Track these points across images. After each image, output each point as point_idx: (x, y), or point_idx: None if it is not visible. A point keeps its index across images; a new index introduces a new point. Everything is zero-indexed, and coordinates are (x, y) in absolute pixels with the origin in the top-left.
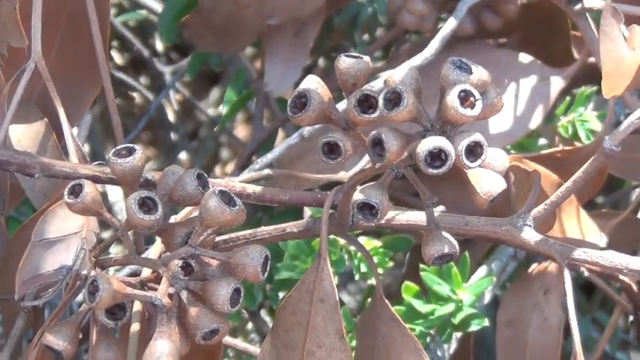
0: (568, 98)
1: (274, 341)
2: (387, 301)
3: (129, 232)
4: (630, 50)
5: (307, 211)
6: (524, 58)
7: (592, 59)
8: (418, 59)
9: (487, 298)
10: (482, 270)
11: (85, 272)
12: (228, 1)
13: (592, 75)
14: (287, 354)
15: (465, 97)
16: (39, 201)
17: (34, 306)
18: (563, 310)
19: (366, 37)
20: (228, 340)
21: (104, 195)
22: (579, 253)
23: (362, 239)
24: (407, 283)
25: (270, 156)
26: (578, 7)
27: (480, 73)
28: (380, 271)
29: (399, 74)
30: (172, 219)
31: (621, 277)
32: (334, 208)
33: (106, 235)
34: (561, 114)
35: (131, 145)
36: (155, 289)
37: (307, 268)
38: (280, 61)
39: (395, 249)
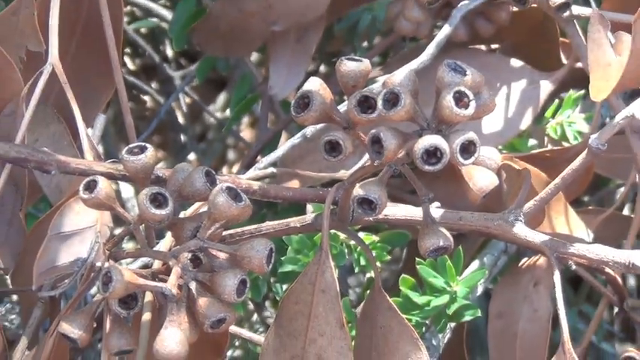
0: (557, 101)
1: (278, 330)
2: (384, 292)
3: (141, 226)
4: (616, 56)
5: (309, 208)
6: (515, 62)
7: (579, 64)
8: (415, 63)
9: (479, 290)
10: (475, 264)
11: (99, 264)
12: (235, 9)
13: (579, 79)
14: (290, 342)
15: (459, 98)
16: (55, 197)
17: (51, 296)
18: (552, 302)
19: (365, 43)
20: (234, 329)
21: (117, 192)
22: (567, 247)
23: (361, 234)
24: (404, 275)
25: (274, 155)
26: (566, 14)
27: (473, 75)
28: (378, 264)
29: (397, 76)
30: (182, 214)
31: (607, 270)
32: (335, 204)
33: (120, 229)
34: (550, 116)
35: (143, 144)
36: (165, 280)
37: (309, 261)
38: (284, 65)
39: (392, 243)
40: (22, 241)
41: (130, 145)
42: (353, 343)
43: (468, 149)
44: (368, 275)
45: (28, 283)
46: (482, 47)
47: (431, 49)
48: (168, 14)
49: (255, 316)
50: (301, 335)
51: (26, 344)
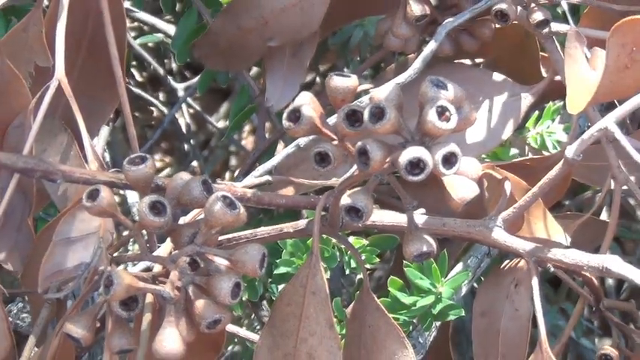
0: (537, 112)
1: (271, 329)
2: (372, 293)
3: (143, 232)
4: (592, 71)
5: (305, 212)
6: (498, 76)
7: (558, 77)
8: (402, 77)
9: (464, 290)
10: (460, 266)
11: (101, 268)
12: (233, 26)
13: (558, 91)
14: (283, 341)
15: (441, 112)
16: (63, 203)
17: (57, 298)
18: (532, 301)
19: (357, 57)
20: (232, 328)
21: (124, 198)
22: (544, 252)
23: (351, 238)
24: (392, 277)
25: (270, 164)
26: (545, 31)
27: (455, 91)
28: (368, 266)
29: (383, 92)
30: (182, 220)
31: (583, 272)
32: (326, 210)
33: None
34: (531, 126)
35: (143, 154)
36: (165, 283)
37: (302, 263)
38: (279, 79)
39: (381, 247)
40: (31, 245)
41: (132, 156)
42: (343, 342)
43: (449, 160)
44: (359, 276)
45: (36, 285)
46: (467, 61)
47: (417, 64)
48: (172, 30)
49: (252, 315)
50: (293, 335)
51: (34, 342)
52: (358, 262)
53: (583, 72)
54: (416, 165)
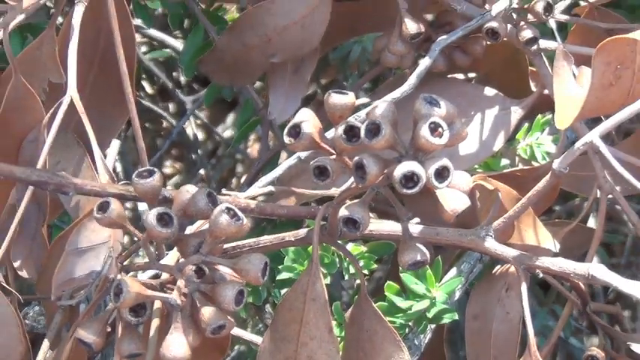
0: (526, 124)
1: (273, 334)
2: (370, 299)
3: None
4: (579, 88)
5: (306, 221)
6: (489, 90)
7: (546, 91)
8: (398, 92)
9: (457, 295)
10: (453, 271)
11: (111, 276)
12: (238, 43)
13: (547, 104)
14: (284, 345)
15: (434, 128)
16: (76, 213)
17: (70, 304)
18: (522, 305)
19: (356, 71)
20: (237, 331)
21: (135, 204)
22: (533, 260)
23: (350, 245)
24: (389, 282)
25: (272, 175)
26: (534, 48)
27: (447, 107)
28: (365, 271)
29: (378, 109)
30: (188, 229)
31: (570, 278)
32: (325, 220)
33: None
34: (521, 138)
35: (151, 168)
36: (172, 290)
37: (304, 270)
38: (282, 93)
39: (378, 253)
40: (45, 253)
41: (140, 169)
42: (342, 345)
43: (442, 174)
44: (358, 281)
45: (50, 291)
46: (460, 76)
47: (412, 80)
48: (180, 45)
49: (257, 317)
50: (294, 339)
51: (48, 346)
52: (356, 268)
53: (570, 89)
54: (410, 178)
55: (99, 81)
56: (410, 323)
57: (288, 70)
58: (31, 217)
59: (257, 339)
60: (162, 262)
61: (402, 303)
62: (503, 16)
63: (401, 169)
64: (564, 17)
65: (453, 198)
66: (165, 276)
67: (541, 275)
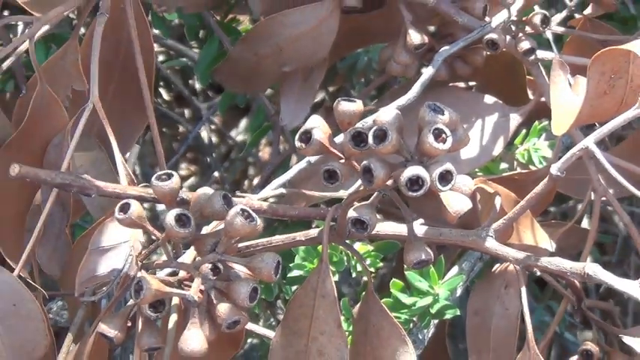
0: (524, 130)
1: (285, 329)
2: (376, 296)
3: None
4: (574, 96)
5: (315, 221)
6: (489, 98)
7: (543, 99)
8: (403, 100)
9: (459, 292)
10: (455, 269)
11: (132, 274)
12: (251, 53)
13: (543, 112)
14: (295, 340)
15: (438, 134)
16: (97, 214)
17: (92, 300)
18: (520, 301)
19: (362, 80)
20: (250, 325)
21: (153, 205)
22: (532, 259)
23: (358, 244)
24: (394, 280)
25: (284, 178)
26: (532, 58)
27: (450, 115)
28: (372, 269)
29: (385, 115)
30: (204, 230)
31: (566, 277)
32: (334, 221)
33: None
34: (519, 143)
35: (170, 172)
36: (189, 287)
37: (313, 267)
38: (293, 100)
39: (384, 252)
40: (68, 251)
41: (159, 173)
42: (350, 339)
43: (445, 178)
44: (364, 278)
45: (73, 288)
46: (461, 85)
47: (416, 88)
48: (195, 55)
49: (268, 312)
50: (304, 334)
51: (72, 339)
52: (363, 266)
53: (566, 97)
54: (415, 182)
55: (119, 88)
56: (414, 318)
57: (299, 78)
58: (56, 217)
59: (269, 333)
60: (179, 260)
61: (406, 299)
62: (502, 28)
63: (407, 173)
64: (560, 29)
65: (456, 200)
66: (182, 274)
67: (538, 273)
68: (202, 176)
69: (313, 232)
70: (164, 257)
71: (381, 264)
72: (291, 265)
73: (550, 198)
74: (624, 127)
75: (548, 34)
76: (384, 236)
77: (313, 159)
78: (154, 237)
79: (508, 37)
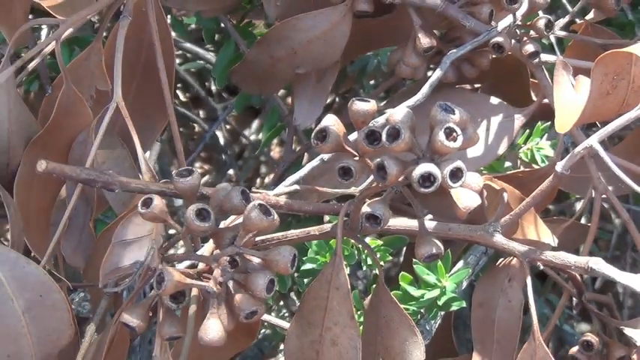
0: (527, 131)
1: (300, 319)
2: (387, 288)
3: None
4: (577, 95)
5: (327, 217)
6: (494, 100)
7: (546, 101)
8: (412, 101)
9: (464, 285)
10: (461, 263)
11: (154, 266)
12: (266, 55)
13: (546, 113)
14: (310, 330)
15: (449, 133)
16: (120, 208)
17: (115, 291)
18: (523, 294)
19: (372, 82)
20: (264, 316)
21: (170, 200)
22: (537, 253)
23: (368, 239)
24: (403, 273)
25: (297, 175)
26: (536, 61)
27: (461, 114)
28: (382, 263)
29: (398, 114)
30: (222, 224)
31: (570, 271)
32: (347, 216)
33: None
34: (522, 143)
35: (190, 168)
36: (209, 279)
37: (326, 261)
38: (306, 101)
39: (393, 246)
40: (92, 244)
41: (180, 169)
42: (361, 329)
43: (456, 175)
44: (374, 272)
45: (96, 279)
46: (467, 87)
47: (425, 89)
48: (212, 58)
49: (281, 302)
50: (319, 324)
51: (94, 329)
52: (374, 260)
53: (570, 97)
54: (427, 179)
55: (141, 89)
56: (422, 310)
57: (312, 80)
58: (80, 211)
59: (282, 323)
60: (197, 253)
61: (415, 292)
62: (507, 32)
63: (419, 170)
64: (563, 33)
65: (466, 196)
66: (201, 266)
67: (542, 267)
68: (217, 174)
69: (327, 227)
70: (180, 250)
71: (390, 257)
72: (304, 258)
73: (553, 195)
74: (622, 127)
75: (552, 38)
76: (394, 231)
77: (326, 156)
78: (169, 230)
79: (513, 41)
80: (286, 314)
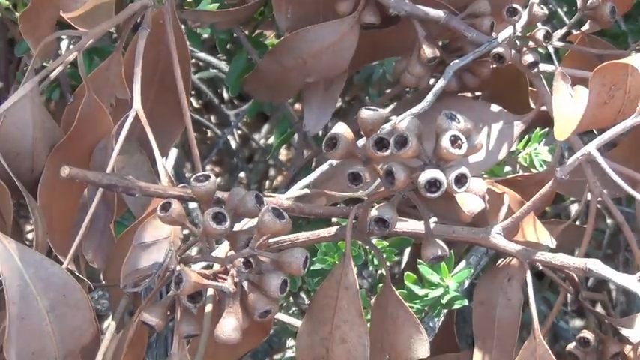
0: (526, 137)
1: (310, 318)
2: (393, 287)
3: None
4: (575, 104)
5: (335, 219)
6: (494, 107)
7: (544, 108)
8: (417, 108)
9: (466, 284)
10: (463, 263)
11: (172, 267)
12: (277, 65)
13: (544, 120)
14: (320, 327)
15: (454, 141)
16: (138, 212)
17: (134, 291)
18: (522, 292)
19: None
20: None
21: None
22: (537, 255)
23: (374, 240)
24: (408, 272)
25: (307, 179)
26: (534, 70)
27: (465, 123)
28: (387, 263)
29: (405, 123)
30: (236, 227)
31: (568, 271)
32: (355, 219)
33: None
34: (521, 148)
35: (207, 173)
36: (224, 280)
37: (334, 261)
38: (315, 108)
39: (398, 247)
40: (112, 246)
41: (197, 174)
42: (369, 326)
43: (460, 181)
44: (380, 271)
45: (116, 279)
46: (469, 95)
47: (429, 97)
48: (224, 66)
49: (291, 299)
50: (329, 322)
51: (114, 327)
52: (380, 260)
53: (568, 106)
54: (433, 184)
55: (158, 97)
56: (426, 308)
57: (321, 88)
58: (101, 215)
59: (292, 321)
60: (212, 254)
61: (419, 291)
62: (508, 43)
63: (425, 176)
64: (560, 44)
65: (470, 201)
66: (216, 267)
67: (540, 267)
68: (228, 178)
69: (336, 229)
70: (193, 252)
71: (396, 258)
72: (313, 259)
73: (551, 199)
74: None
75: (550, 49)
76: (400, 233)
77: (334, 162)
78: (190, 233)
79: (513, 51)
80: (296, 311)
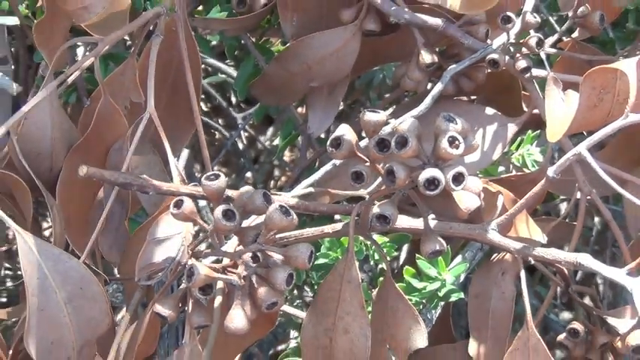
0: (519, 138)
1: (315, 310)
2: (394, 281)
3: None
4: (566, 107)
5: (337, 215)
6: (489, 110)
7: (536, 111)
8: (416, 111)
9: (462, 277)
10: (459, 258)
11: (184, 261)
12: (283, 70)
13: (536, 122)
14: (324, 319)
15: (452, 141)
16: (151, 209)
17: (148, 284)
18: (516, 286)
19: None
20: None
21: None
22: (530, 250)
23: (375, 236)
24: (407, 267)
25: (312, 178)
26: (527, 75)
27: (462, 124)
28: (387, 258)
29: (405, 124)
30: (244, 223)
31: (559, 266)
32: (358, 216)
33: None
34: (515, 149)
35: (217, 172)
36: (233, 273)
37: (337, 256)
38: (319, 112)
39: (398, 243)
40: (126, 242)
41: (208, 173)
42: (370, 318)
43: (458, 179)
44: (380, 266)
45: (130, 273)
46: (465, 98)
47: (428, 101)
48: (232, 72)
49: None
50: (332, 314)
51: (129, 318)
52: (381, 255)
53: (560, 109)
54: (432, 182)
55: (170, 100)
56: (424, 301)
57: (324, 92)
58: (116, 212)
59: (297, 312)
60: (222, 249)
61: (418, 284)
62: (502, 49)
63: (425, 175)
64: (552, 50)
65: (467, 198)
66: (225, 261)
67: (533, 262)
68: (235, 177)
69: (339, 226)
70: (204, 247)
71: (395, 253)
72: (317, 254)
73: (543, 197)
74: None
75: (542, 55)
76: (400, 229)
77: (338, 161)
78: (201, 229)
79: (507, 57)
80: (300, 303)
